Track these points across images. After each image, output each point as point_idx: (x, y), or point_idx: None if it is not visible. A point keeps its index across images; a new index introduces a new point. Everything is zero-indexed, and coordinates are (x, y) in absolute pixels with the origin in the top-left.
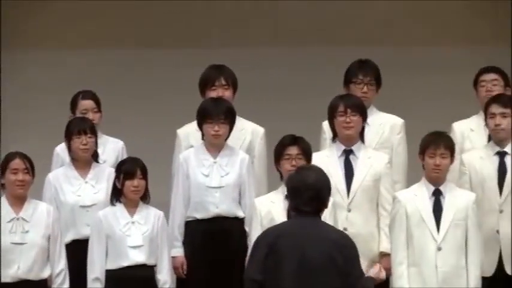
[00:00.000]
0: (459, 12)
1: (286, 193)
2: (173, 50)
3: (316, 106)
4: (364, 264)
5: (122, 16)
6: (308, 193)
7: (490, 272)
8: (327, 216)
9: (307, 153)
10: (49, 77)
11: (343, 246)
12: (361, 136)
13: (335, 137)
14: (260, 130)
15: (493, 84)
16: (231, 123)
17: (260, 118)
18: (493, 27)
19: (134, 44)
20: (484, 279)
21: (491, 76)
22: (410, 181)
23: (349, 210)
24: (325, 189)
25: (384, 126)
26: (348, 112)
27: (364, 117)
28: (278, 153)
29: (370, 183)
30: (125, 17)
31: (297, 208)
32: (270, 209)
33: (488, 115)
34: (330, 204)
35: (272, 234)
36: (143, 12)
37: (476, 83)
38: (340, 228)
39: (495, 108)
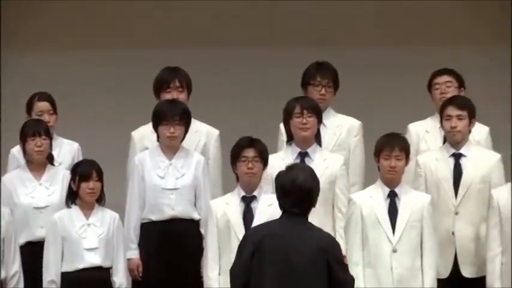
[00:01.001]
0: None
1: (242, 195)
2: (127, 51)
3: (272, 108)
4: None
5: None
6: (297, 194)
7: (445, 273)
8: None
9: (263, 156)
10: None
11: (328, 250)
12: (316, 138)
13: (290, 139)
14: (215, 132)
15: (446, 86)
16: (187, 125)
17: (215, 120)
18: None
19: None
20: (439, 281)
21: (445, 78)
22: (368, 183)
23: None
24: (314, 190)
25: (341, 128)
26: (304, 113)
27: (320, 119)
28: (234, 155)
29: (326, 185)
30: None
31: (285, 208)
32: (225, 210)
33: (444, 117)
34: None
35: (260, 233)
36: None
37: (430, 86)
38: None
39: (451, 110)
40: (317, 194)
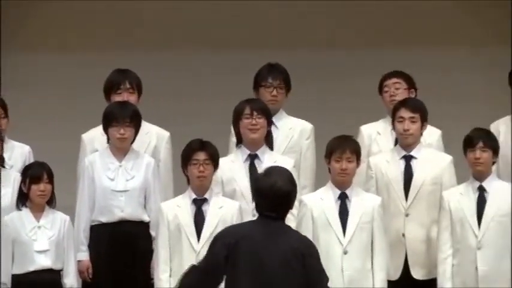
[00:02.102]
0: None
1: (193, 197)
2: (77, 54)
3: (222, 109)
4: None
5: None
6: (274, 199)
7: (395, 275)
8: (233, 222)
9: (214, 158)
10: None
11: (304, 255)
12: (266, 141)
13: (240, 141)
14: (165, 134)
15: (395, 88)
16: (137, 127)
17: (166, 122)
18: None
19: None
20: (390, 283)
21: (393, 80)
22: (318, 186)
23: (254, 216)
24: (292, 195)
25: (293, 131)
26: (253, 115)
27: (269, 121)
28: (185, 158)
29: None
30: None
31: (261, 212)
32: (176, 213)
33: (396, 119)
34: (238, 208)
35: (234, 235)
36: None
37: (380, 88)
38: None
39: (404, 113)
40: (294, 198)
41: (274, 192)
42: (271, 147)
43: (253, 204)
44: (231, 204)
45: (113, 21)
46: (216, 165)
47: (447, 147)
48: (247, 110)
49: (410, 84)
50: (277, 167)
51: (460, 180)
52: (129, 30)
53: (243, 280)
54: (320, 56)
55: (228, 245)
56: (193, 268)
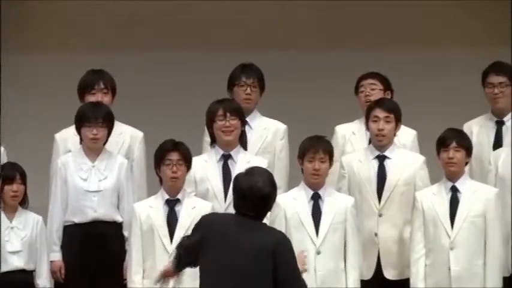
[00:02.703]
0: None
1: (165, 198)
2: (52, 54)
3: (196, 110)
4: None
5: None
6: (254, 200)
7: (368, 275)
8: None
9: (187, 159)
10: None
11: (275, 251)
12: (240, 141)
13: (214, 141)
14: (139, 134)
15: (371, 89)
16: (110, 127)
17: (139, 122)
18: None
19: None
20: (363, 282)
21: (369, 81)
22: (292, 186)
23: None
24: (272, 197)
25: (267, 131)
26: (227, 116)
27: (243, 122)
28: (158, 159)
29: None
30: None
31: (240, 211)
32: (149, 213)
33: (371, 118)
34: (210, 208)
35: (210, 225)
36: None
37: (356, 89)
38: None
39: (379, 112)
40: (274, 201)
41: (254, 193)
42: (245, 148)
43: (226, 204)
44: (204, 205)
45: (85, 23)
46: (189, 165)
47: None
48: (220, 112)
49: (386, 85)
50: (259, 167)
51: (434, 180)
52: (102, 31)
53: (213, 272)
54: (295, 56)
55: (202, 234)
56: (181, 240)
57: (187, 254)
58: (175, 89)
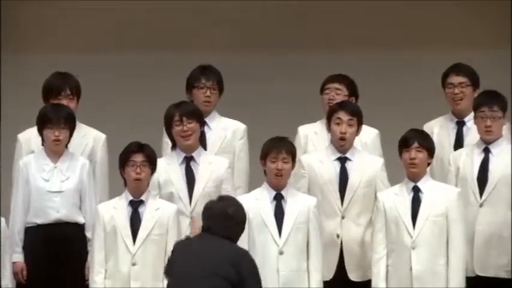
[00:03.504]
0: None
1: (129, 199)
2: (14, 54)
3: (160, 112)
4: None
5: None
6: (224, 220)
7: (328, 276)
8: (170, 225)
9: (152, 161)
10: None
11: (241, 263)
12: (200, 142)
13: (174, 144)
14: (102, 136)
15: (336, 94)
16: (71, 129)
17: (102, 124)
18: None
19: None
20: (325, 283)
21: (335, 85)
22: (252, 186)
23: (191, 218)
24: (239, 222)
25: (226, 131)
26: (183, 120)
27: (201, 123)
28: (123, 160)
29: (212, 189)
30: None
31: (209, 229)
32: (112, 214)
33: (333, 120)
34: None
35: (179, 247)
36: None
37: (322, 89)
38: (178, 237)
39: (342, 115)
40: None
41: (225, 218)
42: (204, 148)
43: (191, 207)
44: (168, 207)
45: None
46: (153, 167)
47: None
48: (176, 117)
49: (352, 91)
50: (228, 196)
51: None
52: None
53: (175, 282)
54: (255, 57)
55: (171, 257)
56: None
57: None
58: (141, 91)
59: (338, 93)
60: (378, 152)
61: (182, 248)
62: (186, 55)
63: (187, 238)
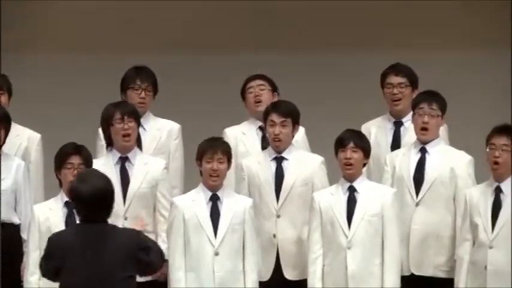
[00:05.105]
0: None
1: (65, 200)
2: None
3: (96, 113)
4: None
5: None
6: (96, 202)
7: (267, 275)
8: None
9: (88, 162)
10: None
11: (131, 246)
12: (137, 142)
13: (110, 144)
14: (36, 136)
15: (260, 89)
16: (6, 129)
17: (37, 124)
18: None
19: None
20: (262, 283)
21: (257, 82)
22: (188, 186)
23: (125, 219)
24: (112, 195)
25: (161, 132)
26: (124, 119)
27: (139, 123)
28: (59, 161)
29: (147, 190)
30: None
31: (85, 216)
32: (48, 215)
33: (267, 122)
34: None
35: (61, 248)
36: None
37: (243, 91)
38: None
39: (275, 117)
40: (113, 198)
41: (92, 197)
42: (140, 149)
43: (125, 207)
44: None
45: None
46: None
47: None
48: (117, 115)
49: (274, 87)
50: (92, 170)
51: (331, 180)
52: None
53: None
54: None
55: (58, 258)
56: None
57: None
58: (76, 92)
59: (262, 88)
60: (306, 150)
61: (71, 250)
62: (126, 56)
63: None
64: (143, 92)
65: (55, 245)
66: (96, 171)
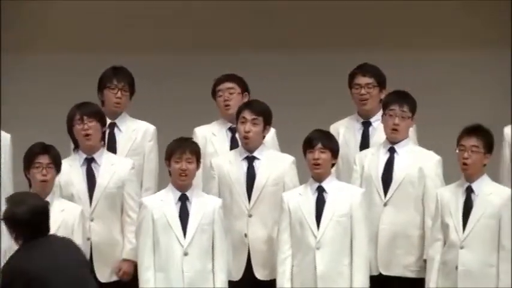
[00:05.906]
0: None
1: None
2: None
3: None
4: (107, 271)
5: None
6: (38, 219)
7: (238, 275)
8: (75, 226)
9: (57, 162)
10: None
11: (84, 260)
12: (109, 143)
13: (76, 146)
14: (6, 136)
15: (229, 93)
16: None
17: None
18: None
19: None
20: (232, 283)
21: (227, 85)
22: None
23: (91, 220)
24: (47, 211)
25: (136, 133)
26: (84, 119)
27: (103, 124)
28: (28, 161)
29: (114, 190)
30: None
31: (31, 234)
32: None
33: (239, 119)
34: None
35: (27, 273)
36: None
37: (214, 92)
38: (83, 237)
39: (247, 114)
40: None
41: (36, 214)
42: (114, 150)
43: (92, 208)
44: (73, 208)
45: None
46: (58, 169)
47: None
48: (77, 116)
49: (244, 87)
50: (23, 192)
51: (301, 180)
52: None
53: None
54: (165, 58)
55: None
56: None
57: None
58: (45, 91)
59: (231, 92)
60: (276, 149)
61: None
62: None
63: None
64: (119, 92)
65: (18, 272)
66: (27, 192)
